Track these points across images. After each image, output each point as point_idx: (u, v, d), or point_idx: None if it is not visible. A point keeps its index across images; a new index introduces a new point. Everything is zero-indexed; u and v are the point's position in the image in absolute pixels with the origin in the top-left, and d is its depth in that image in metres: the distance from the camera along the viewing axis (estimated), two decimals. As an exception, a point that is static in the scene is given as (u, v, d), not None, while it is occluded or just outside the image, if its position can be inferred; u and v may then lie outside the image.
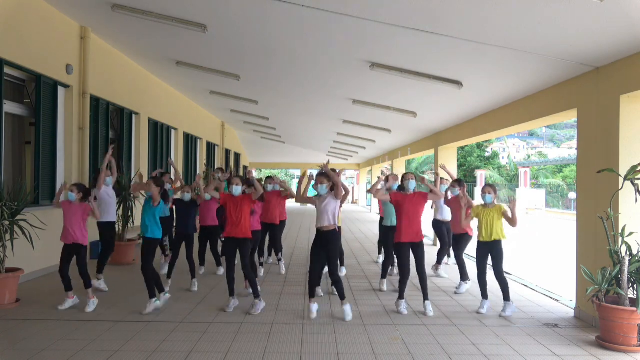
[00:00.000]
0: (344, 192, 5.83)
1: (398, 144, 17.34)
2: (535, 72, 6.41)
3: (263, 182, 8.29)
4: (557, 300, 6.85)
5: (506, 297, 6.06)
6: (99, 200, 6.90)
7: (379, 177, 7.33)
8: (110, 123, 10.44)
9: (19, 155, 8.34)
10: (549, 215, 30.84)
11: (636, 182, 5.03)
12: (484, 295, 6.20)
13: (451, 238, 8.05)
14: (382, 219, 8.17)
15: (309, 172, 6.95)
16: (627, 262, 4.96)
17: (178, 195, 7.57)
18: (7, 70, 7.19)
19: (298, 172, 46.95)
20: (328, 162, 6.28)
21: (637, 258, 4.99)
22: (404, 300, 6.14)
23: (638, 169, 4.99)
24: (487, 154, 50.00)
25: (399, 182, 6.90)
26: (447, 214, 8.32)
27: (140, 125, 11.94)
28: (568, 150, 68.00)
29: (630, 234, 5.04)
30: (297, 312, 6.00)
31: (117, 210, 7.81)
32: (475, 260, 6.32)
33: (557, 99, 6.67)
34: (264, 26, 6.99)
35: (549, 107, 6.90)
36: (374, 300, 6.74)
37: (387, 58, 7.14)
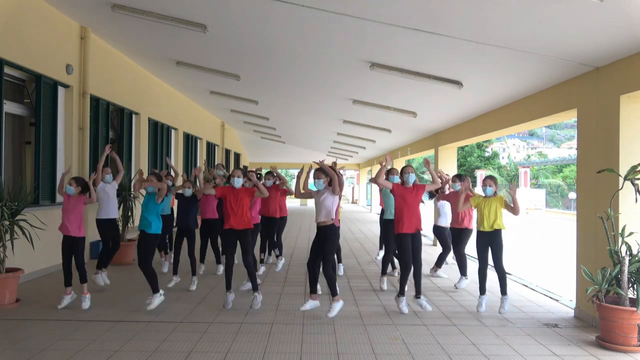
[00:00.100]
0: (338, 191, 5.81)
1: (398, 144, 17.34)
2: (535, 72, 6.41)
3: (263, 179, 8.31)
4: (557, 300, 6.85)
5: (503, 291, 6.10)
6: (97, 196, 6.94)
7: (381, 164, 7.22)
8: (110, 123, 10.44)
9: (19, 155, 8.34)
10: (549, 215, 30.85)
11: (636, 182, 5.03)
12: (482, 290, 6.21)
13: (451, 242, 8.05)
14: (382, 212, 8.12)
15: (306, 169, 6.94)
16: (627, 262, 4.96)
17: (179, 190, 7.58)
18: (7, 70, 7.19)
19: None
20: (335, 162, 6.32)
21: (637, 258, 4.99)
22: (404, 298, 6.10)
23: (638, 169, 4.99)
24: (487, 154, 50.07)
25: (398, 176, 6.87)
26: (447, 220, 8.30)
27: (140, 125, 11.95)
28: (568, 150, 68.01)
29: (630, 234, 5.04)
30: (297, 312, 5.99)
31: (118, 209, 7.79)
32: (476, 256, 6.34)
33: (557, 99, 6.67)
34: (264, 26, 6.99)
35: (549, 107, 6.90)
36: (374, 300, 6.73)
37: (387, 58, 7.14)
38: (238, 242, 6.11)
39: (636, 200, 5.02)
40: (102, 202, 7.15)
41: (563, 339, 5.19)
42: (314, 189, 6.03)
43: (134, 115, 11.68)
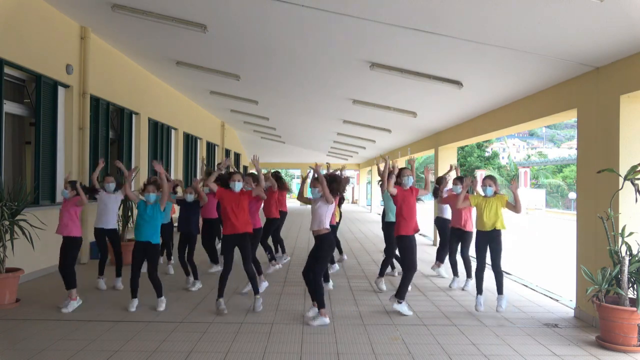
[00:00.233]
0: (332, 201, 5.63)
1: (398, 144, 17.34)
2: (535, 72, 6.41)
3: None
4: (557, 300, 6.85)
5: (500, 290, 6.10)
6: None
7: (384, 161, 7.16)
8: (110, 123, 10.44)
9: (19, 155, 8.34)
10: (549, 215, 30.87)
11: (636, 182, 5.03)
12: (479, 290, 6.20)
13: (450, 241, 8.03)
14: (384, 214, 8.08)
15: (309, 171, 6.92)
16: (627, 262, 4.96)
17: (180, 197, 7.58)
18: (7, 70, 7.19)
19: (298, 172, 47.05)
20: (327, 165, 6.27)
21: (637, 258, 4.99)
22: (405, 302, 6.05)
23: (638, 169, 4.99)
24: (487, 154, 50.06)
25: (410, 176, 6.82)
26: (449, 212, 8.31)
27: (140, 125, 11.94)
28: (568, 150, 67.99)
29: (630, 234, 5.04)
30: (297, 312, 5.99)
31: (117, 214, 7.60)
32: (475, 256, 6.33)
33: (557, 99, 6.67)
34: (264, 26, 6.98)
35: (549, 107, 6.90)
36: (374, 300, 6.73)
37: (387, 58, 7.13)
38: (237, 248, 6.04)
39: (636, 200, 5.02)
40: (99, 211, 6.99)
41: (563, 339, 5.19)
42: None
43: (134, 115, 11.68)
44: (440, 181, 8.26)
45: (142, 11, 7.01)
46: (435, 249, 10.66)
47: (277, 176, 8.72)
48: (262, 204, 7.89)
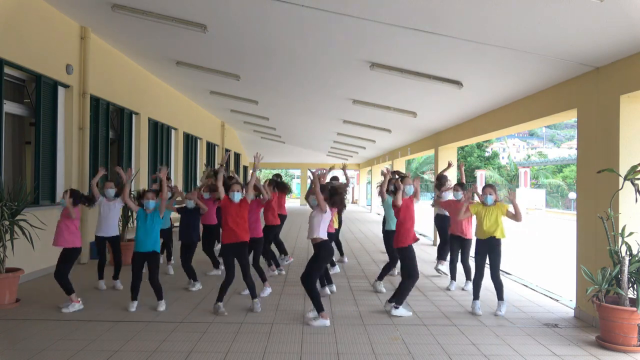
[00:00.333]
0: (328, 209, 5.61)
1: (398, 144, 17.34)
2: (535, 72, 6.41)
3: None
4: (557, 300, 6.85)
5: (500, 297, 6.08)
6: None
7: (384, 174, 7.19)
8: (110, 123, 10.44)
9: (19, 155, 8.34)
10: (549, 215, 30.86)
11: (636, 182, 5.03)
12: (476, 296, 6.17)
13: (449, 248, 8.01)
14: (384, 222, 8.06)
15: (309, 172, 6.90)
16: (627, 262, 4.96)
17: (180, 205, 7.51)
18: (7, 70, 7.19)
19: (298, 172, 47.01)
20: (332, 167, 6.30)
21: (637, 258, 4.99)
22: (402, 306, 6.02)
23: (638, 169, 4.99)
24: (487, 154, 50.04)
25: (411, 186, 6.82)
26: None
27: (140, 125, 11.94)
28: (568, 150, 68.00)
29: (630, 234, 5.04)
30: (297, 312, 5.99)
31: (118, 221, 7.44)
32: (474, 266, 6.32)
33: (557, 99, 6.67)
34: (264, 26, 6.99)
35: (549, 107, 6.90)
36: (374, 300, 6.73)
37: (387, 58, 7.14)
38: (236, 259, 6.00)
39: (636, 200, 5.02)
40: (99, 219, 6.95)
41: (563, 339, 5.19)
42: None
43: (134, 115, 11.68)
44: (441, 180, 8.22)
45: (142, 11, 7.01)
46: (435, 248, 10.67)
47: (276, 182, 8.68)
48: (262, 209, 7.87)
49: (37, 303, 6.15)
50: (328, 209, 5.61)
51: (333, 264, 8.46)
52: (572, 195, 32.28)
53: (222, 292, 5.93)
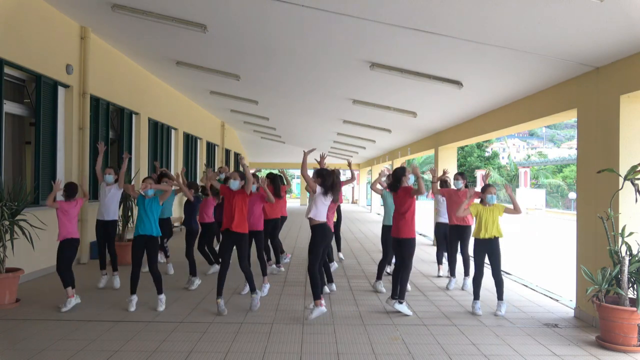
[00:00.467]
0: (318, 189, 5.74)
1: (398, 144, 17.34)
2: (535, 72, 6.41)
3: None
4: (557, 300, 6.85)
5: (500, 297, 6.09)
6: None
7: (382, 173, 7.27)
8: (110, 123, 10.44)
9: (19, 155, 8.34)
10: (549, 215, 30.86)
11: (636, 182, 5.03)
12: (477, 296, 6.17)
13: (448, 240, 8.01)
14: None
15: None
16: (627, 262, 4.96)
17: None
18: (7, 70, 7.19)
19: (298, 172, 46.86)
20: (323, 156, 6.43)
21: (637, 258, 4.99)
22: (405, 302, 6.07)
23: (638, 169, 4.99)
24: (487, 154, 50.06)
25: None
26: (447, 217, 8.29)
27: (140, 125, 11.94)
28: (568, 150, 68.01)
29: (630, 234, 5.04)
30: (297, 312, 5.99)
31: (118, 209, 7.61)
32: (473, 265, 6.32)
33: (557, 99, 6.67)
34: (264, 26, 6.99)
35: (549, 107, 6.90)
36: (374, 300, 6.73)
37: (387, 58, 7.14)
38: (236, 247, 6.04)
39: (636, 200, 5.02)
40: (100, 204, 7.15)
41: (563, 339, 5.19)
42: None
43: (134, 115, 11.68)
44: (446, 183, 8.25)
45: (142, 11, 7.01)
46: (434, 249, 10.67)
47: (271, 178, 8.69)
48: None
49: (37, 303, 6.15)
50: (319, 189, 5.70)
51: (331, 260, 8.38)
52: (572, 195, 32.28)
53: (220, 282, 5.93)
